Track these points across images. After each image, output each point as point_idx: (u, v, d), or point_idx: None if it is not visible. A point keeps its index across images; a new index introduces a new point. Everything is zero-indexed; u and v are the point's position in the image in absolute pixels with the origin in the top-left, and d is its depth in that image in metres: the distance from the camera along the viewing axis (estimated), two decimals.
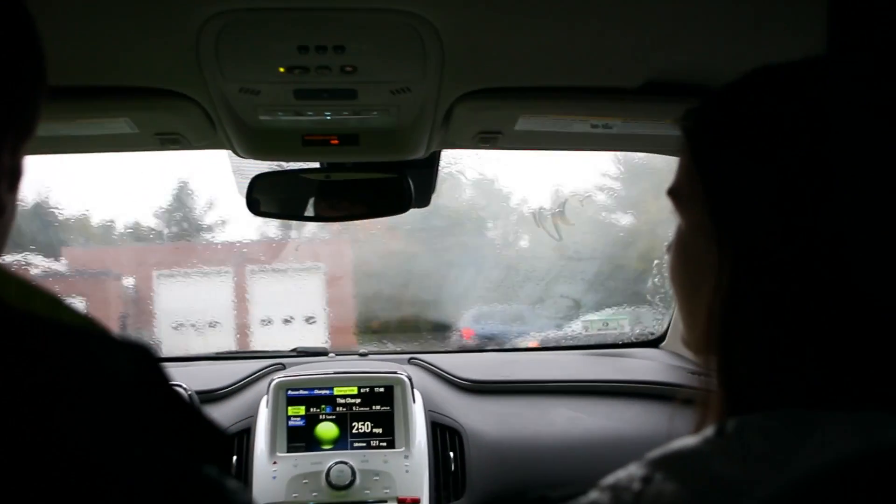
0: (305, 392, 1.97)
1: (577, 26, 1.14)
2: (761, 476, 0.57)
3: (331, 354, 2.42)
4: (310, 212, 1.79)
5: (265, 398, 1.99)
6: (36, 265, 3.58)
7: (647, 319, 2.74)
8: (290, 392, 1.97)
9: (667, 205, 0.78)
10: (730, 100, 0.72)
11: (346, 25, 1.11)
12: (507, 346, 3.04)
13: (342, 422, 1.95)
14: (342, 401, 1.97)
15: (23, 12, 0.64)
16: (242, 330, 3.61)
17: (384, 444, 1.94)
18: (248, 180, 1.73)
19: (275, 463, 1.88)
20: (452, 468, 1.93)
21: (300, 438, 1.93)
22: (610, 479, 0.64)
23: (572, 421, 2.08)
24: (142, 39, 1.13)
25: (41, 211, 3.37)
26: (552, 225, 2.83)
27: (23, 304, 0.52)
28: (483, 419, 2.06)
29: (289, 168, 1.74)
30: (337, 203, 1.75)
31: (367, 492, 1.86)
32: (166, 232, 3.71)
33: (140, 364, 0.54)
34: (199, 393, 2.03)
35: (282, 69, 1.21)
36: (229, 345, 3.66)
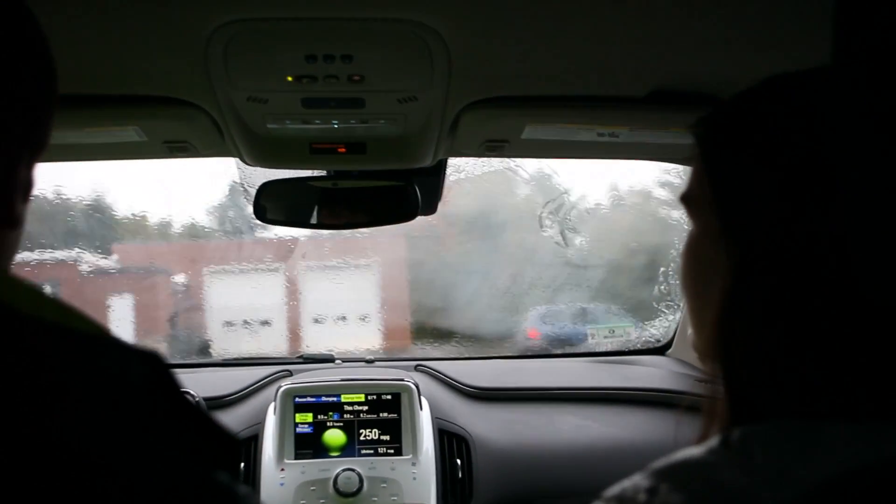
0: (313, 399, 1.98)
1: (584, 35, 1.14)
2: (768, 489, 0.57)
3: (337, 361, 2.42)
4: (317, 219, 1.80)
5: (273, 405, 1.99)
6: (87, 262, 3.59)
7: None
8: (297, 399, 1.97)
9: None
10: (742, 107, 0.73)
11: (353, 35, 1.11)
12: (572, 350, 3.00)
13: (349, 429, 1.95)
14: (349, 408, 1.97)
15: (36, 32, 0.65)
16: (294, 328, 3.54)
17: (391, 451, 1.94)
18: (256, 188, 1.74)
19: (282, 470, 1.89)
20: (459, 475, 1.93)
21: (308, 445, 1.93)
22: (614, 490, 0.64)
23: (579, 428, 2.08)
24: (152, 49, 1.14)
25: (96, 209, 3.38)
26: (559, 232, 2.83)
27: (34, 311, 0.52)
28: (490, 426, 2.06)
29: (296, 176, 1.75)
30: (344, 211, 1.76)
31: (375, 499, 1.86)
32: (219, 229, 3.65)
33: (151, 370, 0.54)
34: (206, 399, 2.03)
35: (290, 78, 1.21)
36: (281, 344, 3.63)
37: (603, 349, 2.73)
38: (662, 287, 2.68)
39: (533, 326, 3.33)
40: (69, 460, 0.46)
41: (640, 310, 2.88)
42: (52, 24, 1.03)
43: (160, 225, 3.77)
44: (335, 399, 1.98)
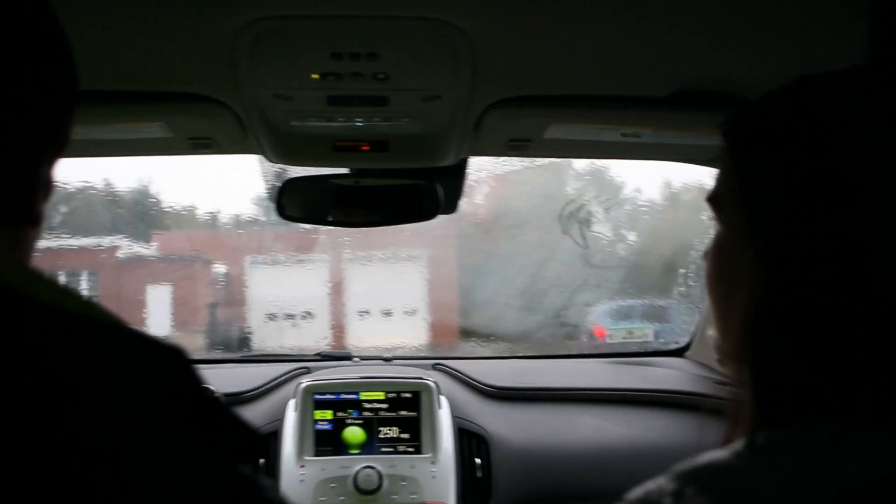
0: (333, 396, 1.98)
1: (609, 35, 1.14)
2: (797, 496, 0.56)
3: (355, 359, 2.43)
4: (339, 217, 1.80)
5: (292, 401, 2.00)
6: (128, 249, 3.56)
7: None
8: (317, 396, 1.98)
9: None
10: (772, 107, 0.72)
11: (380, 33, 1.12)
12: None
13: (369, 426, 1.96)
14: (369, 405, 1.97)
15: (57, 31, 0.66)
16: (339, 322, 3.48)
17: (411, 449, 1.94)
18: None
19: (302, 466, 1.89)
20: (479, 475, 1.93)
21: (327, 442, 1.94)
22: (638, 493, 0.64)
23: (598, 429, 2.08)
24: (179, 46, 1.15)
25: (141, 198, 3.37)
26: (578, 232, 2.83)
27: (58, 302, 0.53)
28: (509, 426, 2.05)
29: (319, 173, 1.75)
30: (365, 209, 1.76)
31: (395, 497, 1.86)
32: (264, 220, 3.60)
33: (174, 363, 0.54)
34: (225, 395, 2.04)
35: (315, 76, 1.22)
36: (325, 337, 3.56)
37: (620, 350, 2.73)
38: None
39: (598, 323, 3.18)
40: (92, 451, 0.46)
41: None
42: (80, 22, 1.05)
43: (203, 215, 3.72)
44: (355, 396, 1.98)
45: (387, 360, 2.38)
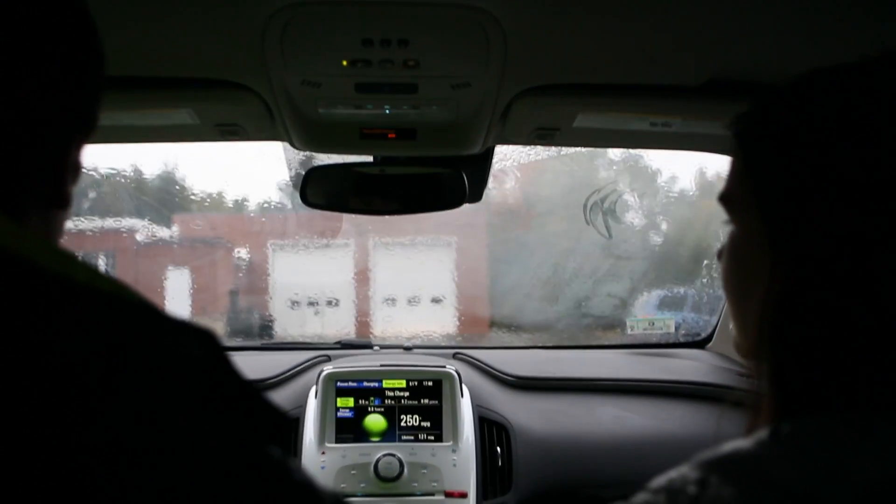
0: (354, 384, 1.99)
1: (639, 23, 1.13)
2: (825, 487, 0.55)
3: (375, 347, 2.44)
4: (363, 204, 1.80)
5: (314, 389, 2.00)
6: (147, 232, 3.54)
7: None
8: (339, 383, 1.99)
9: None
10: (784, 103, 0.71)
11: (411, 19, 1.11)
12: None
13: (390, 414, 1.96)
14: (391, 394, 1.98)
15: (85, 15, 0.66)
16: (363, 309, 3.41)
17: (432, 437, 1.94)
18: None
19: (323, 453, 1.90)
20: (499, 463, 1.93)
21: (349, 430, 1.94)
22: (661, 481, 0.63)
23: (619, 420, 2.08)
24: (209, 32, 1.15)
25: (162, 181, 3.35)
26: (602, 223, 2.81)
27: (90, 282, 0.53)
28: (529, 415, 2.06)
29: (343, 161, 1.75)
30: (391, 196, 1.76)
31: (415, 484, 1.87)
32: (288, 206, 3.51)
33: (206, 346, 0.55)
34: None
35: (345, 62, 1.21)
36: (348, 325, 3.45)
37: (642, 341, 2.72)
38: None
39: (647, 314, 3.04)
40: (126, 431, 0.46)
41: None
42: (111, 8, 1.05)
43: (225, 199, 3.66)
44: (376, 385, 1.99)
45: (407, 349, 2.38)
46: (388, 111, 1.40)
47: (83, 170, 0.70)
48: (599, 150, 2.91)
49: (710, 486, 0.59)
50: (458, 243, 3.66)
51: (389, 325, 3.45)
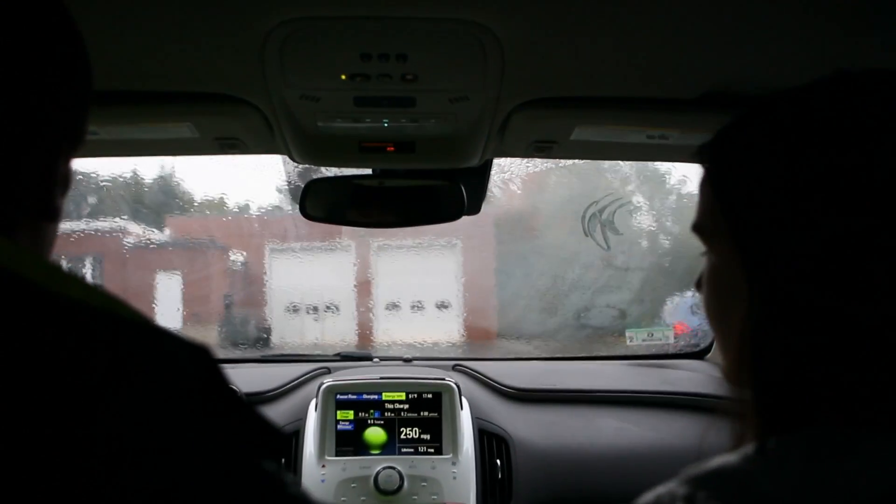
0: (354, 397, 1.99)
1: (636, 37, 1.14)
2: (808, 502, 0.56)
3: (375, 359, 2.44)
4: (362, 217, 1.81)
5: (314, 401, 2.01)
6: (137, 234, 3.45)
7: None
8: (339, 396, 1.99)
9: None
10: (744, 129, 0.72)
11: (409, 34, 1.12)
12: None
13: (390, 427, 1.96)
14: (390, 406, 1.98)
15: (71, 29, 0.66)
16: (364, 316, 3.30)
17: (432, 450, 1.94)
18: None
19: (323, 466, 1.90)
20: (499, 476, 1.93)
21: (349, 442, 1.95)
22: (649, 497, 0.64)
23: (619, 431, 2.08)
24: (209, 47, 1.16)
25: (160, 183, 3.28)
26: (601, 234, 2.82)
27: (83, 298, 0.53)
28: (529, 428, 2.06)
29: (343, 174, 1.76)
30: (390, 209, 1.76)
31: (415, 497, 1.87)
32: (287, 208, 3.43)
33: (200, 361, 0.55)
34: (247, 395, 2.05)
35: (344, 77, 1.22)
36: (350, 334, 3.36)
37: (641, 352, 2.72)
38: None
39: (680, 320, 2.91)
40: (120, 448, 0.46)
41: None
42: (110, 23, 1.06)
43: (221, 200, 3.56)
44: (376, 397, 1.99)
45: (407, 360, 2.39)
46: (386, 125, 1.41)
47: (72, 181, 0.70)
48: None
49: (698, 501, 0.60)
50: (464, 244, 3.56)
51: (391, 332, 3.34)
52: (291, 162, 1.66)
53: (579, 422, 2.10)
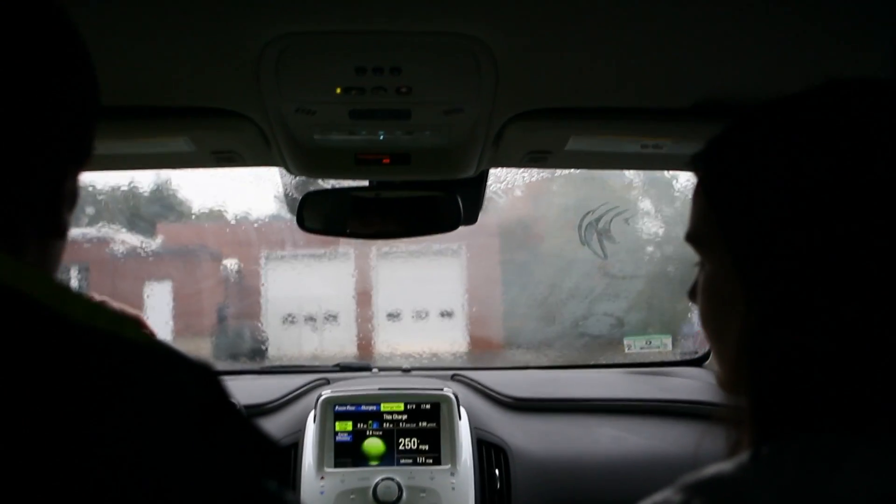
0: (353, 408, 1.99)
1: (629, 48, 1.14)
2: None
3: (374, 370, 2.44)
4: (359, 228, 1.81)
5: (312, 413, 2.01)
6: (126, 242, 3.34)
7: None
8: (337, 407, 1.99)
9: None
10: (738, 139, 0.72)
11: (403, 48, 1.12)
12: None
13: (389, 438, 1.96)
14: (389, 417, 1.98)
15: (79, 46, 0.67)
16: (364, 325, 3.19)
17: (430, 460, 1.94)
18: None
19: (322, 478, 1.90)
20: (498, 486, 1.93)
21: (347, 454, 1.95)
22: None
23: (617, 440, 2.08)
24: (205, 62, 1.16)
25: (150, 189, 3.20)
26: (597, 243, 2.82)
27: (87, 320, 0.53)
28: (528, 437, 2.06)
29: (339, 186, 1.76)
30: (387, 220, 1.77)
31: None
32: (284, 215, 3.26)
33: (202, 381, 0.55)
34: (246, 407, 2.05)
35: (339, 90, 1.23)
36: (349, 344, 3.22)
37: (639, 360, 2.72)
38: None
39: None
40: (122, 470, 0.47)
41: None
42: (108, 39, 1.07)
43: (220, 207, 3.42)
44: (375, 408, 1.99)
45: (405, 371, 2.39)
46: (382, 137, 1.41)
47: (79, 196, 0.70)
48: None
49: None
50: (468, 250, 3.46)
51: (392, 342, 3.23)
52: (288, 174, 1.66)
53: (577, 430, 2.10)
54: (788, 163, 0.65)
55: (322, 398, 1.99)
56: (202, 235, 3.64)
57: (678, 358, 2.69)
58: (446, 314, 3.42)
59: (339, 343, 3.29)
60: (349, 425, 1.97)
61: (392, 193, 1.73)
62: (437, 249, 3.35)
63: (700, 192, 0.75)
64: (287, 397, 2.17)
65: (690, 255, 0.79)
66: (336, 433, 1.97)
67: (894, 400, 0.61)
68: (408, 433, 1.97)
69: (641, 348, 2.76)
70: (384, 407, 1.99)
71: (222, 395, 0.56)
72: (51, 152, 0.63)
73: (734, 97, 1.33)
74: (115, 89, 1.24)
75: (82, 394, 0.48)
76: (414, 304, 3.47)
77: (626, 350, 2.78)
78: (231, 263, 3.59)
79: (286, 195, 2.02)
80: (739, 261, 0.68)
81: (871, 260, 0.61)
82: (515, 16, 1.04)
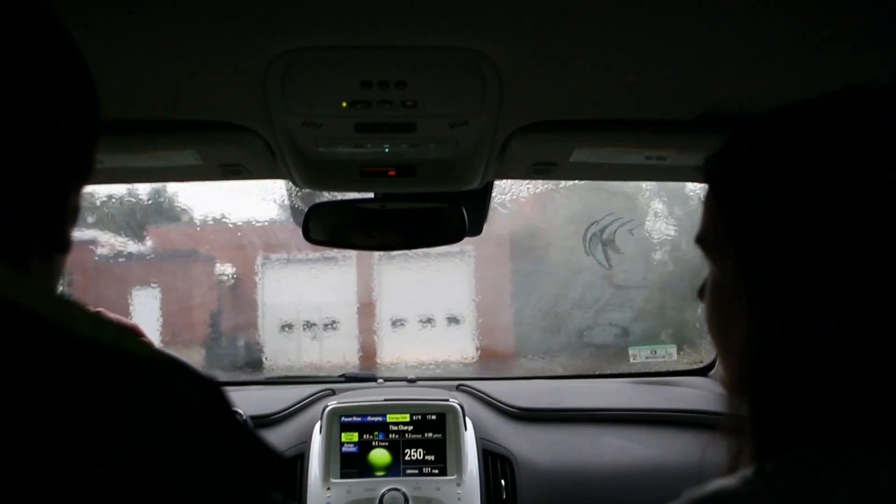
0: (359, 419, 1.99)
1: (633, 60, 1.15)
2: None
3: (379, 380, 2.44)
4: (365, 240, 1.82)
5: (318, 424, 2.01)
6: (114, 246, 3.24)
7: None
8: (343, 418, 1.99)
9: None
10: (749, 143, 0.72)
11: (408, 62, 1.13)
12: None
13: (395, 449, 1.97)
14: (395, 428, 1.98)
15: (79, 62, 0.67)
16: (367, 333, 3.10)
17: (436, 471, 1.95)
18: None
19: (328, 489, 1.90)
20: (504, 496, 1.93)
21: (353, 465, 1.95)
22: None
23: (622, 450, 2.07)
24: (212, 76, 1.17)
25: (153, 197, 3.12)
26: (602, 253, 2.83)
27: (91, 333, 0.53)
28: (533, 447, 2.06)
29: (345, 198, 1.77)
30: (392, 232, 1.77)
31: None
32: (282, 218, 3.12)
33: (206, 393, 0.55)
34: (252, 418, 2.06)
35: (344, 104, 1.23)
36: (353, 352, 3.09)
37: (644, 370, 2.72)
38: None
39: None
40: (132, 485, 0.47)
41: None
42: (117, 53, 1.08)
43: (216, 209, 3.28)
44: (381, 419, 1.99)
45: (411, 381, 2.39)
46: (387, 149, 1.42)
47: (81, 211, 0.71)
48: None
49: None
50: (476, 253, 3.32)
51: (397, 350, 3.16)
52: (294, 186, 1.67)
53: (583, 441, 2.10)
54: (798, 170, 0.65)
55: (328, 409, 2.00)
56: (195, 239, 3.49)
57: (684, 367, 2.68)
58: (453, 320, 3.34)
59: (340, 352, 3.19)
60: (355, 436, 1.98)
61: (397, 205, 1.73)
62: (442, 251, 3.16)
63: (711, 197, 0.75)
64: (293, 408, 2.18)
65: (696, 265, 0.80)
66: (342, 444, 1.97)
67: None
68: (414, 444, 1.97)
69: (647, 358, 2.76)
70: (390, 418, 1.99)
71: (226, 407, 0.56)
72: (52, 167, 0.63)
73: (738, 109, 1.33)
74: (124, 103, 1.26)
75: (88, 408, 0.49)
76: (419, 309, 3.37)
77: (632, 360, 2.78)
78: (225, 268, 3.46)
79: (291, 206, 2.03)
80: (745, 268, 0.68)
81: (878, 270, 0.61)
82: (519, 29, 1.05)
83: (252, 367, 3.07)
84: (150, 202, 3.24)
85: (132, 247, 3.32)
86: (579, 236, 2.90)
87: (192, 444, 0.52)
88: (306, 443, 2.00)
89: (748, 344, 0.67)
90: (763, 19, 1.03)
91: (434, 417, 1.99)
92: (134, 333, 0.56)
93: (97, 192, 2.89)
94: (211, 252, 3.46)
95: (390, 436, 1.98)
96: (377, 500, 1.86)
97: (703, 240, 0.77)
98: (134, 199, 3.17)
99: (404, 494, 1.87)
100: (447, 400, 2.03)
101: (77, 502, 0.45)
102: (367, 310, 3.24)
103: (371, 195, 1.73)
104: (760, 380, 0.66)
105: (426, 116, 1.28)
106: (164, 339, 3.22)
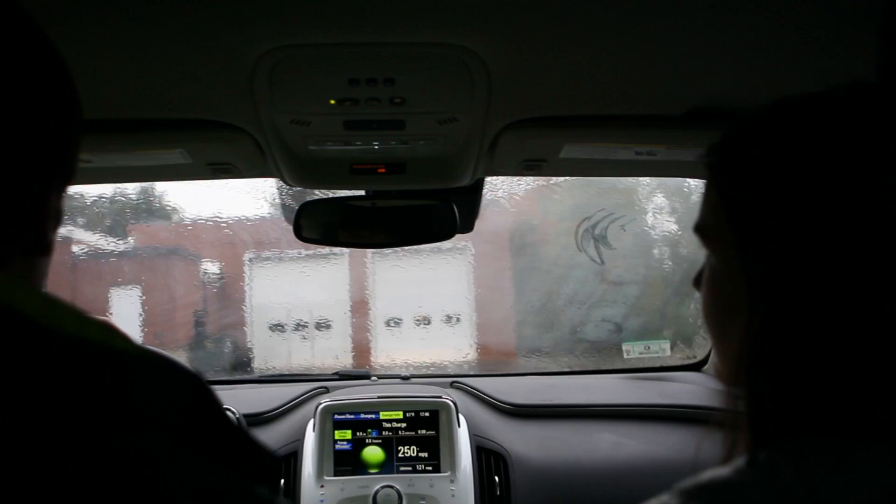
0: (352, 416, 1.99)
1: (622, 56, 1.15)
2: None
3: (373, 378, 2.44)
4: (357, 238, 1.82)
5: (312, 422, 2.01)
6: (94, 244, 3.15)
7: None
8: (336, 416, 1.99)
9: None
10: (754, 132, 0.71)
11: (396, 59, 1.13)
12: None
13: (388, 446, 1.97)
14: (388, 425, 1.98)
15: (58, 64, 0.66)
16: (360, 333, 3.04)
17: (430, 468, 1.95)
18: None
19: (322, 486, 1.90)
20: (498, 493, 1.94)
21: (347, 462, 1.95)
22: None
23: (616, 446, 2.08)
24: (200, 75, 1.17)
25: (134, 192, 3.06)
26: (594, 249, 2.83)
27: (78, 331, 0.53)
28: (527, 443, 2.06)
29: (336, 196, 1.77)
30: (383, 229, 1.77)
31: None
32: (270, 214, 3.02)
33: (193, 390, 0.56)
34: (246, 416, 2.06)
35: (333, 101, 1.23)
36: (345, 354, 3.02)
37: (637, 365, 2.72)
38: None
39: None
40: (117, 480, 0.47)
41: None
42: (104, 53, 1.08)
43: (200, 205, 3.21)
44: (374, 416, 1.99)
45: (405, 378, 2.39)
46: (377, 147, 1.42)
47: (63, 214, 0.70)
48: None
49: None
50: (475, 249, 3.22)
51: (392, 349, 3.10)
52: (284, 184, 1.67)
53: (577, 436, 2.10)
54: (802, 161, 0.65)
55: (321, 406, 2.00)
56: (179, 236, 3.38)
57: (677, 363, 2.69)
58: (449, 318, 3.29)
59: (333, 353, 3.12)
60: (348, 433, 1.97)
61: (388, 202, 1.73)
62: (435, 247, 3.10)
63: (712, 185, 0.74)
64: (286, 406, 2.18)
65: (689, 260, 0.79)
66: (335, 441, 1.97)
67: (891, 405, 0.61)
68: (407, 441, 1.97)
69: (640, 353, 2.76)
70: (383, 415, 1.99)
71: (211, 402, 0.56)
72: (34, 171, 0.62)
73: (728, 104, 1.33)
74: (111, 103, 1.25)
75: (76, 405, 0.49)
76: (414, 307, 3.32)
77: (625, 355, 2.79)
78: (210, 266, 3.35)
79: (282, 204, 2.02)
80: (746, 259, 0.68)
81: (880, 261, 0.61)
82: (507, 26, 1.05)
83: (239, 370, 3.01)
84: (125, 196, 3.16)
85: (111, 243, 3.23)
86: (573, 233, 2.89)
87: (177, 438, 0.52)
88: (300, 441, 2.00)
89: (748, 334, 0.67)
90: (752, 15, 1.04)
91: (427, 414, 1.99)
92: (115, 330, 0.56)
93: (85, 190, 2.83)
94: (195, 249, 3.36)
95: (384, 433, 1.98)
96: (371, 498, 1.86)
97: (702, 229, 0.76)
98: (124, 199, 3.13)
99: (398, 491, 1.87)
100: (440, 397, 2.03)
101: (66, 498, 0.45)
102: (360, 308, 3.20)
103: (362, 192, 1.73)
104: (760, 370, 0.66)
105: (415, 113, 1.28)
106: (144, 341, 3.10)
